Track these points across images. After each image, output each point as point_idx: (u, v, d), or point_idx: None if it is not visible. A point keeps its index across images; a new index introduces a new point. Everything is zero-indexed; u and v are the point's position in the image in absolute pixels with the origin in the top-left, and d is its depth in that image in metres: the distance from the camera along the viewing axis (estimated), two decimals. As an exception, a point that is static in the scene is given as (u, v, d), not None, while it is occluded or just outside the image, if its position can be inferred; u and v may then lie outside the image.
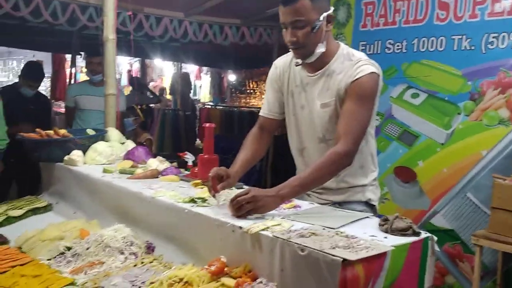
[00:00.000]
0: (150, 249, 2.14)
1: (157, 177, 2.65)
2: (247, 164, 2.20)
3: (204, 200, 2.06)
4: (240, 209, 1.75)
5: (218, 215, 1.84)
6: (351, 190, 2.20)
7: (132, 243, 2.11)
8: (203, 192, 2.13)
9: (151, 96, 8.36)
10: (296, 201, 2.08)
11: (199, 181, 2.42)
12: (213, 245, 1.82)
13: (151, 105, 7.68)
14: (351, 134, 1.93)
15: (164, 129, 8.06)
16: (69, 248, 2.10)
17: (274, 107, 2.25)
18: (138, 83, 8.39)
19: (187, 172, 2.76)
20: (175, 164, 2.93)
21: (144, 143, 5.25)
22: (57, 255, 2.10)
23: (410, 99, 3.75)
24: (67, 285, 1.78)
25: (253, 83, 11.33)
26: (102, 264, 1.98)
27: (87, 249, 2.05)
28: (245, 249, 1.68)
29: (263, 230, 1.66)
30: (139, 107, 5.89)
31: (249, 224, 1.71)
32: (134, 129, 5.56)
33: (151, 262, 1.99)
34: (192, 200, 2.09)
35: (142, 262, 1.99)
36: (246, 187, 2.31)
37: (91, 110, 4.52)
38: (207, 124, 2.48)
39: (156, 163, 2.87)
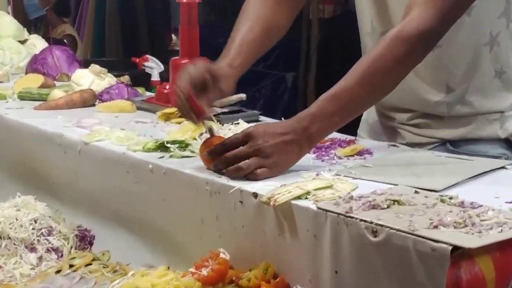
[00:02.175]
0: (85, 240, 1.91)
1: (93, 105, 2.35)
2: (252, 48, 1.88)
3: (183, 144, 1.80)
4: (238, 170, 1.58)
5: (210, 172, 1.64)
6: (478, 118, 1.94)
7: (51, 231, 1.88)
8: (182, 129, 1.91)
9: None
10: (361, 141, 1.89)
11: (172, 110, 2.13)
12: (203, 230, 1.65)
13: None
14: (437, 1, 1.64)
15: (102, 13, 7.19)
16: None
17: None
18: None
19: (150, 94, 2.47)
20: (126, 78, 2.56)
21: (64, 41, 4.87)
22: None
23: None
24: None
25: None
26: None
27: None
28: (265, 236, 1.51)
29: (297, 197, 1.46)
30: None
31: (271, 189, 1.50)
32: (43, 16, 5.09)
33: (88, 264, 1.79)
34: (162, 147, 1.81)
35: (71, 266, 1.78)
36: (264, 119, 2.13)
37: None
38: None
39: (90, 77, 2.50)
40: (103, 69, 2.51)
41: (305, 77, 5.62)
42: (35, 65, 2.77)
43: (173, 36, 7.14)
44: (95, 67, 2.51)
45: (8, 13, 3.40)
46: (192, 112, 1.70)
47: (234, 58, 1.84)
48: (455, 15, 1.72)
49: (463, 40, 1.85)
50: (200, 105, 1.69)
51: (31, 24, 4.64)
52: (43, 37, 3.66)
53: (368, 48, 2.00)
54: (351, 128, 1.80)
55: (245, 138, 1.60)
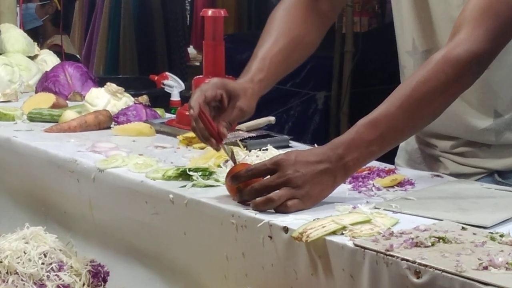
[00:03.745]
0: (98, 276, 1.90)
1: (109, 128, 2.36)
2: (276, 63, 1.88)
3: (207, 172, 1.80)
4: (268, 202, 1.57)
5: (237, 204, 1.63)
6: None
7: (62, 266, 1.86)
8: (205, 155, 1.91)
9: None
10: (402, 170, 1.89)
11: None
12: (228, 268, 1.62)
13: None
14: (490, 17, 1.66)
15: (116, 26, 7.25)
16: None
17: None
18: None
19: (170, 116, 2.48)
20: (144, 98, 2.56)
21: (78, 57, 5.21)
22: None
23: None
24: None
25: None
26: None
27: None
28: (296, 275, 1.49)
29: (332, 233, 1.46)
30: None
31: (303, 223, 1.50)
32: (41, 27, 5.17)
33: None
34: (184, 175, 1.81)
35: (85, 305, 1.83)
36: (295, 145, 2.13)
37: None
38: (210, 11, 2.15)
39: (105, 97, 2.48)
40: (119, 88, 2.52)
41: (338, 97, 5.59)
42: (46, 83, 2.78)
43: (190, 50, 7.14)
44: (111, 86, 2.51)
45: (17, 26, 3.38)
46: (209, 135, 1.69)
47: (255, 73, 1.82)
48: (507, 35, 1.71)
49: None
50: (217, 127, 1.68)
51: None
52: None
53: (407, 69, 1.99)
54: (388, 156, 1.80)
55: (274, 166, 1.59)
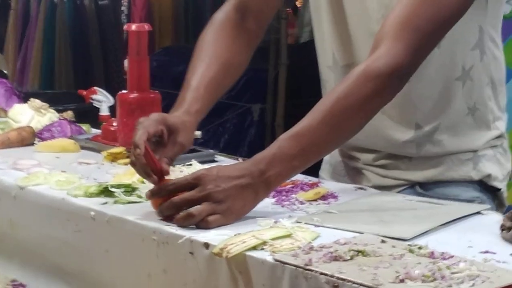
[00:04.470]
0: None
1: (32, 144, 2.32)
2: (210, 90, 1.89)
3: (130, 189, 1.80)
4: (188, 217, 1.56)
5: (158, 220, 1.62)
6: (449, 158, 1.96)
7: None
8: (129, 171, 1.89)
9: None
10: (326, 184, 1.90)
11: (120, 149, 2.13)
12: (150, 286, 1.61)
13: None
14: (409, 31, 1.69)
15: (51, 41, 6.96)
16: None
17: None
18: None
19: (97, 132, 2.45)
20: (69, 114, 2.53)
21: (5, 72, 5.10)
22: None
23: None
24: None
25: None
26: None
27: None
28: None
29: (253, 248, 1.45)
30: None
31: (224, 238, 1.50)
32: None
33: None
34: (106, 191, 1.80)
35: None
36: (222, 160, 2.16)
37: None
38: (134, 26, 2.14)
39: (29, 113, 2.47)
40: (44, 104, 2.48)
41: (274, 109, 5.62)
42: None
43: (125, 62, 7.07)
44: (35, 101, 2.47)
45: None
46: (152, 172, 1.67)
47: (191, 104, 1.82)
48: (427, 48, 1.73)
49: (433, 75, 1.85)
50: (161, 165, 1.67)
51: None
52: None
53: (329, 83, 2.00)
54: (312, 169, 1.81)
55: (195, 181, 1.57)
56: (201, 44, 1.97)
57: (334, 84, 1.97)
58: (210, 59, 1.93)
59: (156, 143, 1.72)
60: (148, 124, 1.71)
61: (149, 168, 1.65)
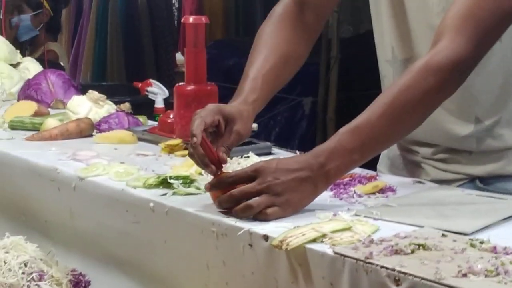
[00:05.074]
0: (79, 285, 1.89)
1: (91, 136, 2.34)
2: (268, 81, 1.86)
3: (188, 180, 1.79)
4: (247, 209, 1.56)
5: (217, 212, 1.62)
6: (510, 153, 1.92)
7: (43, 275, 1.84)
8: (187, 163, 1.89)
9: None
10: (383, 177, 1.88)
11: (177, 141, 2.13)
12: (209, 277, 1.62)
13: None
14: (472, 24, 1.65)
15: (103, 33, 7.11)
16: None
17: None
18: None
19: (153, 123, 2.45)
20: (126, 106, 2.52)
21: (61, 63, 4.93)
22: None
23: None
24: None
25: None
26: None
27: None
28: (277, 283, 1.49)
29: (312, 241, 1.45)
30: None
31: (283, 231, 1.49)
32: (36, 37, 5.02)
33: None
34: (165, 183, 1.80)
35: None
36: (278, 152, 2.15)
37: None
38: (191, 18, 2.14)
39: (87, 105, 2.47)
40: (101, 95, 2.50)
41: (325, 103, 5.57)
42: (28, 91, 2.76)
43: (178, 56, 7.11)
44: (93, 93, 2.50)
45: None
46: (210, 162, 1.68)
47: (248, 94, 1.81)
48: (489, 41, 1.71)
49: (493, 68, 1.83)
50: (218, 154, 1.67)
51: (24, 45, 4.67)
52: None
53: (387, 78, 2.00)
54: (370, 162, 1.80)
55: (255, 173, 1.57)
56: (260, 36, 1.96)
57: (392, 79, 1.97)
58: (269, 51, 1.92)
59: (213, 133, 1.72)
60: (205, 114, 1.71)
61: (207, 158, 1.65)
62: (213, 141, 1.71)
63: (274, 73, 1.89)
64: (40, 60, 3.73)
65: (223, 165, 1.68)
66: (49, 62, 3.95)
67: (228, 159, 1.77)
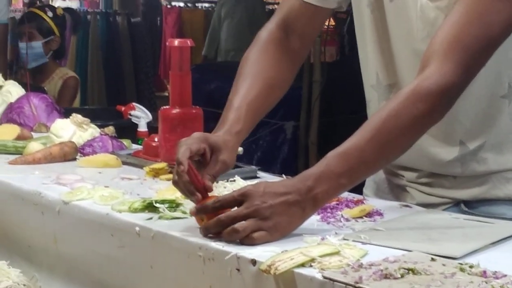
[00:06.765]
0: None
1: (75, 159, 2.35)
2: (253, 110, 1.88)
3: (174, 204, 1.79)
4: (233, 233, 1.54)
5: (205, 237, 1.60)
6: (494, 177, 1.93)
7: None
8: (172, 187, 1.84)
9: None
10: (370, 201, 1.89)
11: (162, 165, 2.13)
12: None
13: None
14: (459, 50, 1.67)
15: (84, 56, 6.96)
16: None
17: None
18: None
19: (137, 147, 2.47)
20: (110, 129, 2.55)
21: (44, 88, 4.75)
22: None
23: None
24: None
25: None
26: None
27: None
28: None
29: (301, 265, 1.44)
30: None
31: (271, 255, 1.48)
32: (44, 64, 5.00)
33: None
34: (150, 207, 1.79)
35: None
36: (263, 176, 2.14)
37: None
38: (176, 41, 2.16)
39: (71, 128, 2.47)
40: (85, 119, 2.48)
41: (307, 127, 5.58)
42: (11, 114, 2.73)
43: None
44: (77, 117, 2.48)
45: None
46: (195, 190, 1.66)
47: (233, 124, 1.81)
48: (476, 67, 1.71)
49: (478, 92, 1.82)
50: (204, 182, 1.66)
51: (32, 70, 4.62)
52: (37, 84, 3.56)
53: (372, 102, 1.99)
54: (356, 186, 1.78)
55: (242, 197, 1.56)
56: (245, 62, 1.95)
57: (377, 103, 1.97)
58: (253, 79, 1.91)
59: (198, 162, 1.72)
60: (191, 142, 1.70)
61: (192, 185, 1.64)
62: (198, 170, 1.69)
63: (259, 101, 1.88)
64: (34, 87, 3.70)
65: (208, 194, 1.66)
66: (38, 89, 3.90)
67: (214, 183, 1.74)
